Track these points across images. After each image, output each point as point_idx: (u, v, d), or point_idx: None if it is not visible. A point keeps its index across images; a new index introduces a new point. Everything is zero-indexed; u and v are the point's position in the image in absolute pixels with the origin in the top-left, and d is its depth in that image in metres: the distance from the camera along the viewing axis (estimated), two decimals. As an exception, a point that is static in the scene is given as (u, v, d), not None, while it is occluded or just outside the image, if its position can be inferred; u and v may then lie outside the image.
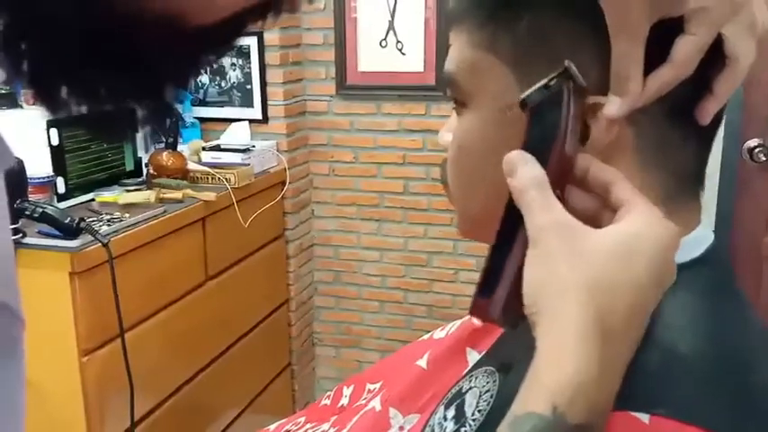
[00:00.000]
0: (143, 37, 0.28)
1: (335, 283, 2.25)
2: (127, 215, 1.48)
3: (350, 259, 2.20)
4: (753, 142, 1.94)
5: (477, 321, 0.56)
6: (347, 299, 2.24)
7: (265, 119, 2.01)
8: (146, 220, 1.48)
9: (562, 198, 0.38)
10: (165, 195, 1.61)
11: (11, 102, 1.54)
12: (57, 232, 1.30)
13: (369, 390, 0.65)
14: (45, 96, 0.30)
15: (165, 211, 1.54)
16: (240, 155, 1.85)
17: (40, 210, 1.26)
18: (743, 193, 1.98)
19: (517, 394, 0.35)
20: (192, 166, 1.79)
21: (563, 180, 0.39)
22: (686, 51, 0.39)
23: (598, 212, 0.39)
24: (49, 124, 1.49)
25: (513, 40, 0.43)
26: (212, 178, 1.76)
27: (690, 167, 0.45)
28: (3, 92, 1.53)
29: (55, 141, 1.51)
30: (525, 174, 0.38)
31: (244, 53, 1.97)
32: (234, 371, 1.86)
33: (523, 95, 0.40)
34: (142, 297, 1.49)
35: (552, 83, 0.39)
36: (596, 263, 0.35)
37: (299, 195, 2.13)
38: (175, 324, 1.60)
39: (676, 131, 0.43)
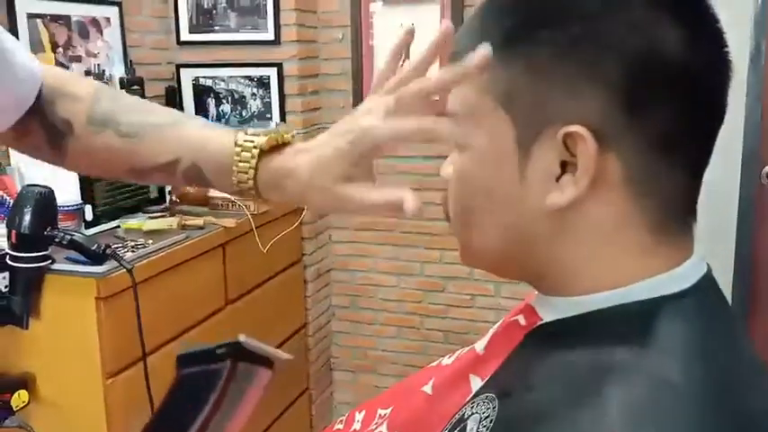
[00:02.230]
0: None
1: (352, 307, 2.27)
2: (150, 241, 1.52)
3: (367, 284, 2.23)
4: (771, 167, 1.94)
5: (479, 348, 0.57)
6: (364, 324, 2.26)
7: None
8: (168, 246, 1.52)
9: None
10: (186, 222, 1.66)
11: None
12: (84, 258, 1.34)
13: (380, 415, 0.66)
14: None
15: (186, 237, 1.58)
16: (260, 182, 1.89)
17: (69, 237, 1.30)
18: (762, 218, 1.97)
19: None
20: (213, 193, 1.83)
21: None
22: None
23: None
24: (78, 154, 1.54)
25: (507, 82, 0.45)
26: (232, 205, 1.81)
27: (679, 198, 0.46)
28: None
29: (83, 170, 1.57)
30: None
31: (264, 83, 2.03)
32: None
33: (181, 352, 0.39)
34: (165, 321, 1.53)
35: (220, 351, 0.37)
36: None
37: (316, 221, 2.17)
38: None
39: (663, 162, 0.44)
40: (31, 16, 1.66)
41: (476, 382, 0.54)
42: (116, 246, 1.47)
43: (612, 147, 0.43)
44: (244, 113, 2.10)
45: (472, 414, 0.48)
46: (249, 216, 1.78)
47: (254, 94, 2.06)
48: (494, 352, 0.54)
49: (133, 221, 1.64)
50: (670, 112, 0.43)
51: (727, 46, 0.46)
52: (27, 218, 1.29)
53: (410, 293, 2.18)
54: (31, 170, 1.58)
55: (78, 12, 1.79)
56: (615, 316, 0.45)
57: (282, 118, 2.05)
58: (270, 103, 2.05)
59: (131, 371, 1.42)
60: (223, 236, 1.70)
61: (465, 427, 0.48)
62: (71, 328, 1.39)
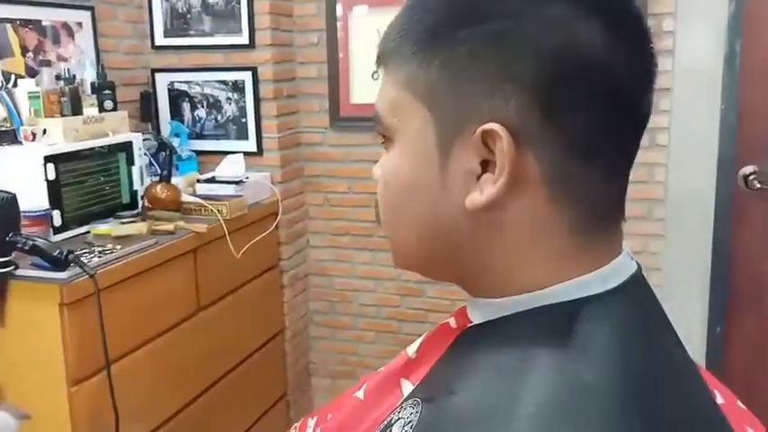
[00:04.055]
0: None
1: (331, 313, 2.26)
2: (118, 247, 1.51)
3: (345, 289, 2.22)
4: (747, 169, 1.94)
5: (411, 351, 0.57)
6: (343, 329, 2.25)
7: (260, 151, 2.05)
8: (136, 251, 1.51)
9: None
10: (157, 227, 1.64)
11: (11, 138, 1.59)
12: (48, 264, 1.33)
13: (329, 419, 0.66)
14: None
15: (156, 243, 1.57)
16: (234, 186, 1.89)
17: (31, 242, 1.29)
18: (739, 220, 1.97)
19: None
20: (186, 198, 1.82)
21: None
22: None
23: None
24: (46, 160, 1.53)
25: (428, 79, 0.45)
26: (205, 210, 1.80)
27: (601, 200, 0.45)
28: (4, 129, 1.58)
29: (51, 176, 1.55)
30: None
31: (239, 87, 2.03)
32: (228, 401, 1.87)
33: None
34: (132, 327, 1.51)
35: None
36: None
37: (293, 226, 2.16)
38: (167, 354, 1.62)
39: (582, 165, 0.43)
40: (0, 21, 1.66)
41: (407, 387, 0.54)
42: (82, 251, 1.46)
43: (530, 147, 0.42)
44: (219, 118, 2.09)
45: (398, 419, 0.48)
46: (222, 221, 1.77)
47: (229, 99, 2.05)
48: (425, 355, 0.54)
49: (103, 227, 1.63)
50: (588, 113, 0.42)
51: (652, 48, 0.46)
52: (-12, 224, 1.28)
53: (388, 298, 2.17)
54: (-3, 176, 1.57)
55: (49, 16, 1.78)
56: (537, 318, 0.45)
57: (258, 122, 2.05)
58: (245, 107, 2.04)
59: (97, 378, 1.41)
60: (194, 241, 1.69)
61: None
62: (35, 334, 1.37)
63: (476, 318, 0.49)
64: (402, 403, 0.50)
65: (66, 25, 1.84)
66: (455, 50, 0.43)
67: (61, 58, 1.82)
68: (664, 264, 1.99)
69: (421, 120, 0.45)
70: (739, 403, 0.58)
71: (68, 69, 1.69)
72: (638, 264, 0.49)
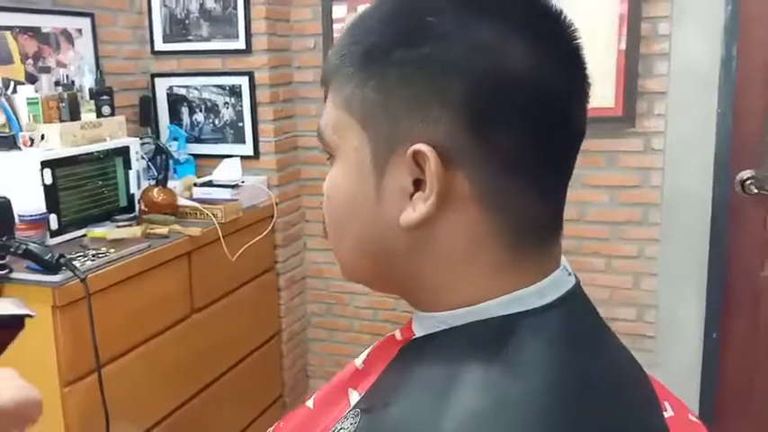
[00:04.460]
0: None
1: (327, 315, 2.28)
2: (112, 250, 1.54)
3: (341, 292, 2.23)
4: (744, 174, 1.93)
5: (358, 363, 0.58)
6: (339, 331, 2.27)
7: (257, 155, 2.08)
8: (129, 255, 1.54)
9: None
10: (151, 231, 1.67)
11: (10, 144, 1.62)
12: (41, 268, 1.36)
13: (281, 427, 0.67)
14: None
15: (149, 246, 1.60)
16: (230, 190, 1.91)
17: (24, 246, 1.33)
18: (736, 225, 1.96)
19: None
20: (182, 201, 1.85)
21: None
22: None
23: None
24: (43, 165, 1.57)
25: (363, 100, 0.46)
26: (200, 213, 1.82)
27: (536, 218, 0.46)
28: (3, 135, 1.62)
29: (48, 181, 1.59)
30: None
31: (236, 92, 2.05)
32: (224, 402, 1.89)
33: None
34: (125, 329, 1.54)
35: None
36: None
37: (290, 229, 2.18)
38: (160, 356, 1.64)
39: (513, 184, 0.44)
40: (-1, 28, 1.69)
41: (354, 397, 0.55)
42: (77, 255, 1.49)
43: (460, 166, 0.43)
44: (217, 122, 2.11)
45: (340, 429, 0.49)
46: (216, 225, 1.79)
47: (226, 103, 2.08)
48: (372, 366, 0.55)
49: (99, 230, 1.66)
50: (517, 133, 0.43)
51: (584, 67, 0.46)
52: (-18, 228, 1.32)
53: (383, 301, 2.19)
54: (-5, 180, 1.61)
55: (49, 23, 1.82)
56: (471, 332, 0.45)
57: (254, 126, 2.07)
58: (242, 111, 2.06)
59: (90, 379, 1.44)
60: (188, 244, 1.71)
61: None
62: (29, 336, 1.39)
63: (418, 331, 0.50)
64: (347, 413, 0.51)
65: (65, 32, 1.87)
66: (387, 73, 0.44)
67: (60, 65, 1.85)
68: (659, 269, 1.98)
69: (358, 139, 0.47)
70: (691, 417, 0.59)
71: (67, 76, 1.73)
72: (576, 278, 0.50)
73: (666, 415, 0.55)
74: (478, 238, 0.45)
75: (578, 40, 0.46)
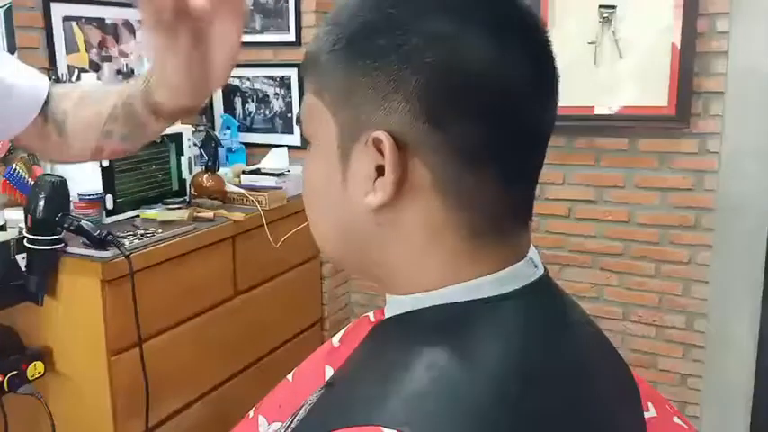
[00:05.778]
0: None
1: (370, 305, 2.30)
2: (160, 231, 1.62)
3: (382, 282, 2.25)
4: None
5: (335, 341, 0.60)
6: (380, 321, 2.29)
7: (304, 145, 2.12)
8: (174, 236, 1.61)
9: None
10: (198, 214, 1.75)
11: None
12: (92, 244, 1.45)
13: (264, 399, 0.70)
14: None
15: (194, 229, 1.67)
16: (275, 179, 1.97)
17: (76, 223, 1.42)
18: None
19: None
20: (229, 188, 1.92)
21: None
22: None
23: None
24: (101, 147, 1.66)
25: (333, 88, 0.47)
26: (246, 200, 1.89)
27: (499, 206, 0.46)
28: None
29: (105, 163, 1.69)
30: None
31: (286, 84, 2.10)
32: (262, 382, 1.94)
33: None
34: (170, 306, 1.62)
35: None
36: None
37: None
38: (203, 333, 1.72)
39: (473, 174, 0.45)
40: (66, 19, 1.80)
41: (329, 372, 0.57)
42: (127, 233, 1.58)
43: (417, 154, 0.44)
44: (267, 113, 2.18)
45: (308, 401, 0.51)
46: (261, 211, 1.85)
47: (276, 94, 2.14)
48: (347, 345, 0.57)
49: (150, 212, 1.75)
50: (475, 123, 0.43)
51: (552, 62, 0.46)
52: (41, 204, 1.42)
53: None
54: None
55: (112, 14, 1.93)
56: (428, 316, 0.46)
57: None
58: (291, 102, 2.12)
59: (134, 351, 1.52)
60: (232, 229, 1.78)
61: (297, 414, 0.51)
62: (81, 307, 1.50)
63: (388, 313, 0.51)
64: (319, 387, 0.54)
65: (127, 23, 1.98)
66: (353, 63, 0.46)
67: (122, 54, 1.96)
68: (711, 276, 1.90)
69: (327, 125, 0.48)
70: (676, 419, 0.58)
71: (127, 64, 1.83)
72: (545, 269, 0.50)
73: (648, 415, 0.55)
74: (439, 224, 0.46)
75: (546, 35, 0.47)
